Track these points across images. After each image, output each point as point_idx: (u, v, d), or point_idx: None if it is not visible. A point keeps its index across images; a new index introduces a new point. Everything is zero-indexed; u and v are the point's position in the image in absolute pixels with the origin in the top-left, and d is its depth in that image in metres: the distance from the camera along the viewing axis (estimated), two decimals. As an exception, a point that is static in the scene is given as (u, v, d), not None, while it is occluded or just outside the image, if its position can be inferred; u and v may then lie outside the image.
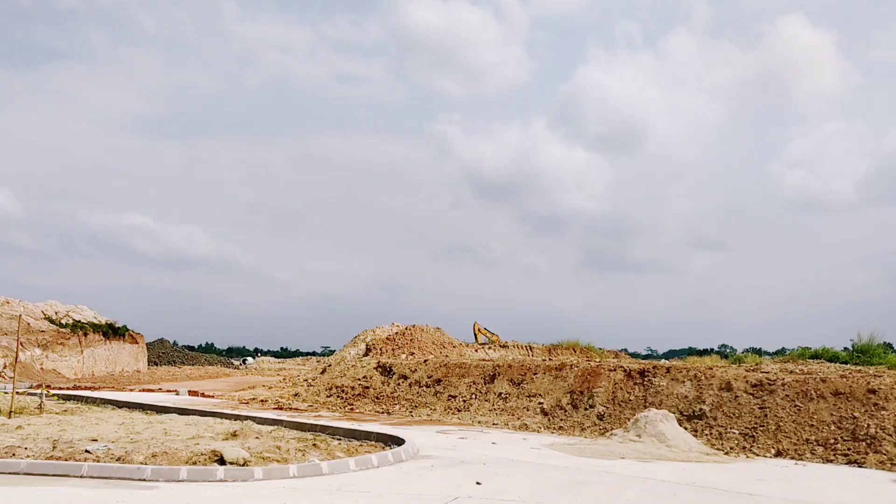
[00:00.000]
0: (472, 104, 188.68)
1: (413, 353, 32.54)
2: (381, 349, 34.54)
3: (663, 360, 27.58)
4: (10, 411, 16.87)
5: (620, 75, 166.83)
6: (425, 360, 26.39)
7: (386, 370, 26.02)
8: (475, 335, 45.33)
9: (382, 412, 22.51)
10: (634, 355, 68.56)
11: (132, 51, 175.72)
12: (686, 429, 16.58)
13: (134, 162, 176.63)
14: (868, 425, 14.86)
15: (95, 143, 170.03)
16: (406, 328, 38.73)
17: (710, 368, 19.18)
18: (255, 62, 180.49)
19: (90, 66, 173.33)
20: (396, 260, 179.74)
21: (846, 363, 21.37)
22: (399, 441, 13.83)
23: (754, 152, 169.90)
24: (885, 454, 13.98)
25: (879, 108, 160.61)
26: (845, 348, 26.53)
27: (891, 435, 14.46)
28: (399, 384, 24.69)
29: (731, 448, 15.56)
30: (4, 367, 33.31)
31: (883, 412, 15.10)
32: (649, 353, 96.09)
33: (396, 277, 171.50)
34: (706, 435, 16.46)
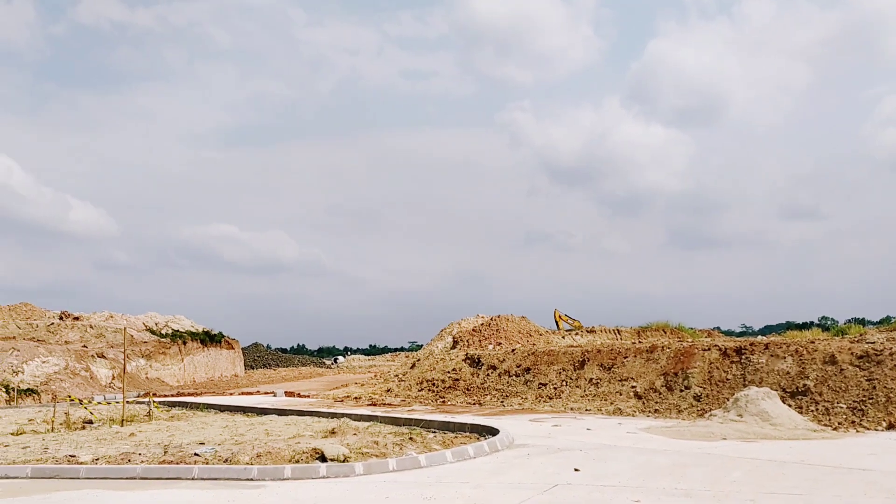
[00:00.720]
0: (541, 90, 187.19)
1: (500, 343, 32.54)
2: (467, 341, 34.68)
3: (760, 337, 26.67)
4: (123, 419, 17.76)
5: (695, 46, 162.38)
6: (513, 350, 26.34)
7: (474, 361, 26.11)
8: (556, 322, 44.97)
9: (474, 403, 22.60)
10: (728, 333, 66.65)
11: (208, 65, 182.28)
12: (789, 406, 15.99)
13: (217, 173, 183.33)
14: None
15: (179, 158, 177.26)
16: (491, 319, 38.77)
17: (812, 342, 18.43)
18: (325, 66, 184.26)
19: (169, 84, 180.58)
20: (476, 252, 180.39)
21: (960, 328, 20.15)
22: (493, 431, 13.85)
23: (843, 113, 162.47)
24: None
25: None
26: (957, 313, 25.04)
27: None
28: (488, 375, 24.73)
29: (839, 423, 14.92)
30: (113, 379, 35.09)
31: None
32: (744, 329, 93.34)
33: (477, 269, 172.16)
34: (812, 411, 15.84)
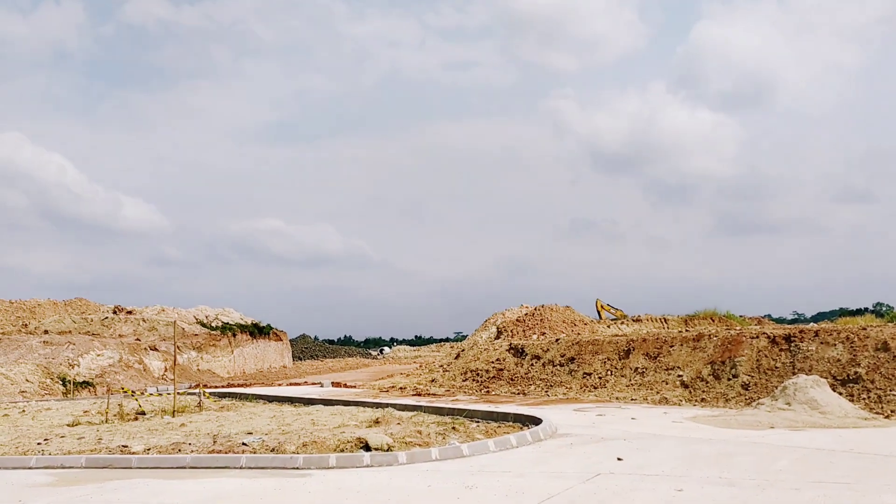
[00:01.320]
0: (585, 77, 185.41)
1: (544, 333, 32.45)
2: (511, 331, 34.69)
3: (812, 324, 26.11)
4: (174, 410, 18.21)
5: (742, 27, 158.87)
6: (557, 340, 26.24)
7: (518, 351, 26.09)
8: (598, 312, 44.65)
9: (518, 393, 22.60)
10: (779, 321, 65.31)
11: (253, 62, 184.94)
12: (840, 394, 15.64)
13: (263, 168, 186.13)
14: None
15: (227, 154, 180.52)
16: (535, 308, 38.70)
17: (864, 329, 17.97)
18: (368, 60, 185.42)
19: (215, 81, 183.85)
20: (520, 241, 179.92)
21: None
22: (536, 421, 13.85)
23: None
24: None
25: None
26: None
27: None
28: (532, 365, 24.69)
29: (891, 411, 14.56)
30: (165, 371, 35.98)
31: None
32: (796, 317, 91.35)
33: (521, 259, 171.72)
34: (863, 399, 15.47)
